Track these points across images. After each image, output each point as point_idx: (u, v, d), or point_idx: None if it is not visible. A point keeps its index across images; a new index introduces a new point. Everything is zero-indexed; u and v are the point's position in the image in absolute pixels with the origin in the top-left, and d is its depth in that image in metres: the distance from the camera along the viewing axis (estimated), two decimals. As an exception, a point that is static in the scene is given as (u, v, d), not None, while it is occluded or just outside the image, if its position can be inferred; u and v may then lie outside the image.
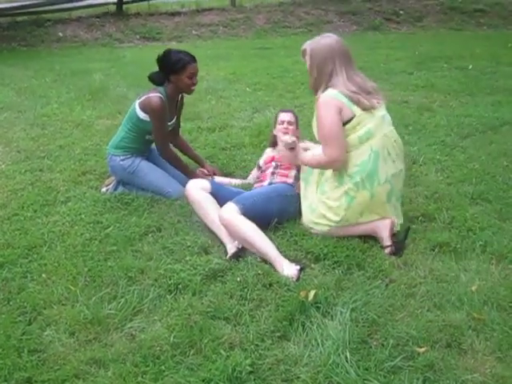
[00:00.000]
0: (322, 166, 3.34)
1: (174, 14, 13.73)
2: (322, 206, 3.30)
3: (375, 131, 3.19)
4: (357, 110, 3.15)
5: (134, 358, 2.39)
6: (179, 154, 4.31)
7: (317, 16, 13.75)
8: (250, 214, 3.23)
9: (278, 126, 4.10)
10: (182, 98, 4.21)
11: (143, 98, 3.89)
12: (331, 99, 3.15)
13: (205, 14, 13.78)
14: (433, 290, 2.80)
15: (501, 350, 2.38)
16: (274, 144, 4.20)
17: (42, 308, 2.74)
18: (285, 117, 4.11)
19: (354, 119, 3.15)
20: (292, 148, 3.46)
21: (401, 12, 14.05)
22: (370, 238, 3.28)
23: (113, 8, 13.46)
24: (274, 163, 3.86)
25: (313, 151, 3.50)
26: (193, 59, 3.88)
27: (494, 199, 3.78)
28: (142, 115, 3.88)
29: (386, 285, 2.86)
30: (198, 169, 4.28)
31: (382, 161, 3.18)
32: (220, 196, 3.46)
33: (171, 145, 4.19)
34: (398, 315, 2.62)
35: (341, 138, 3.15)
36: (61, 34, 12.37)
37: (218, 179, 4.17)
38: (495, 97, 6.58)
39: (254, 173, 4.15)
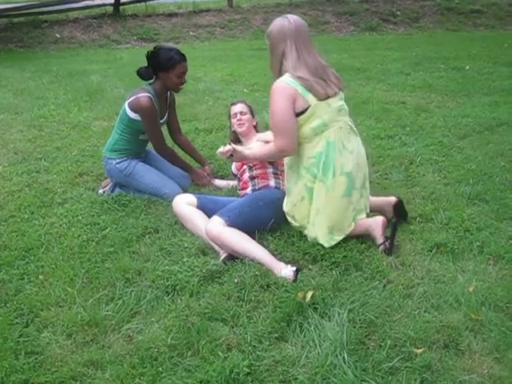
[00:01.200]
0: (271, 156, 3.32)
1: (171, 15, 13.74)
2: (289, 206, 3.31)
3: (329, 123, 3.11)
4: (312, 100, 3.06)
5: (131, 359, 2.39)
6: (181, 152, 4.33)
7: (314, 17, 13.76)
8: (237, 225, 3.16)
9: (232, 120, 4.09)
10: (172, 94, 4.18)
11: (132, 98, 3.88)
12: (286, 86, 3.06)
13: (202, 15, 13.79)
14: (430, 291, 2.80)
15: (498, 350, 2.38)
16: (235, 140, 4.16)
17: (39, 310, 2.74)
18: (235, 109, 4.09)
19: (309, 110, 3.06)
20: (231, 155, 3.35)
21: (398, 13, 14.08)
22: (368, 239, 3.27)
23: (110, 9, 13.47)
24: (246, 166, 3.77)
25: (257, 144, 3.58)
26: (183, 58, 3.86)
27: (491, 199, 3.79)
28: (132, 115, 3.87)
29: (384, 285, 2.86)
30: (199, 168, 4.27)
31: (337, 153, 3.11)
32: (207, 209, 3.41)
33: (173, 143, 4.21)
34: (396, 316, 2.62)
35: (291, 128, 3.08)
36: (58, 36, 12.37)
37: (217, 182, 4.17)
38: (492, 97, 6.60)
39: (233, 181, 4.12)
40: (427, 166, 4.47)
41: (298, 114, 3.07)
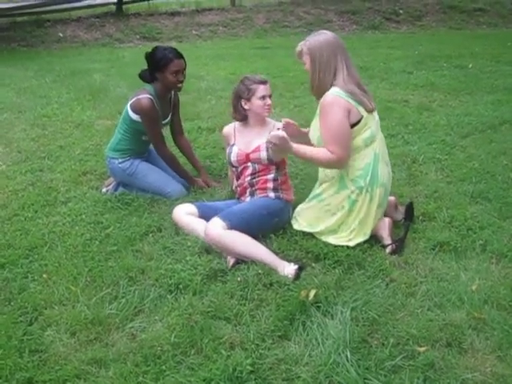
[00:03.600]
0: (322, 163, 3.21)
1: (173, 14, 13.74)
2: (324, 213, 3.28)
3: (376, 133, 3.19)
4: (363, 111, 3.11)
5: (134, 357, 2.40)
6: (179, 154, 4.31)
7: (316, 15, 13.75)
8: (238, 230, 3.14)
9: (258, 102, 3.48)
10: (176, 94, 4.17)
11: (133, 99, 3.88)
12: (340, 98, 3.07)
13: (205, 14, 13.79)
14: (433, 289, 2.80)
15: (501, 348, 2.38)
16: (242, 118, 3.65)
17: (42, 308, 2.75)
18: (265, 91, 3.50)
19: (362, 120, 3.10)
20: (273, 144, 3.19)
21: (400, 11, 14.05)
22: (370, 238, 3.27)
23: (113, 8, 13.48)
24: (250, 166, 3.51)
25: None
26: (176, 56, 3.83)
27: (494, 198, 3.79)
28: (134, 117, 3.87)
29: (387, 284, 2.86)
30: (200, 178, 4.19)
31: (381, 163, 3.19)
32: (209, 218, 3.30)
33: (174, 145, 4.22)
34: (399, 314, 2.62)
35: (349, 139, 3.09)
36: (61, 35, 12.37)
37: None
38: (495, 96, 6.58)
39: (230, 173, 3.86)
40: (430, 165, 4.47)
41: (352, 126, 3.10)
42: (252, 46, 11.25)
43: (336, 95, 3.08)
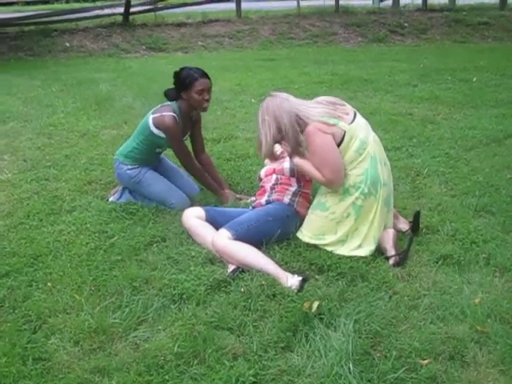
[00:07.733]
0: (317, 182, 3.34)
1: (180, 25, 13.85)
2: (328, 222, 3.29)
3: (367, 138, 3.21)
4: (344, 126, 3.13)
5: (137, 367, 2.40)
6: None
7: (322, 28, 13.84)
8: (244, 239, 3.17)
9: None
10: (198, 113, 4.13)
11: (157, 114, 3.87)
12: (320, 123, 3.12)
13: (211, 25, 13.89)
14: (436, 302, 2.80)
15: (504, 362, 2.38)
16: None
17: (46, 316, 2.76)
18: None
19: (346, 135, 3.12)
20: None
21: (405, 24, 14.13)
22: (374, 250, 3.28)
23: (119, 18, 13.59)
24: (274, 176, 3.66)
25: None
26: (201, 75, 3.84)
27: (498, 212, 3.79)
28: (155, 131, 3.87)
29: (390, 296, 2.86)
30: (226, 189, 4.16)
31: (379, 164, 3.22)
32: (217, 222, 3.38)
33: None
34: (402, 327, 2.62)
35: (337, 160, 3.14)
36: (67, 44, 12.47)
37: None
38: (499, 109, 6.59)
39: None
40: (434, 178, 4.47)
41: (338, 145, 3.13)
42: (257, 58, 11.32)
43: (316, 123, 3.13)
